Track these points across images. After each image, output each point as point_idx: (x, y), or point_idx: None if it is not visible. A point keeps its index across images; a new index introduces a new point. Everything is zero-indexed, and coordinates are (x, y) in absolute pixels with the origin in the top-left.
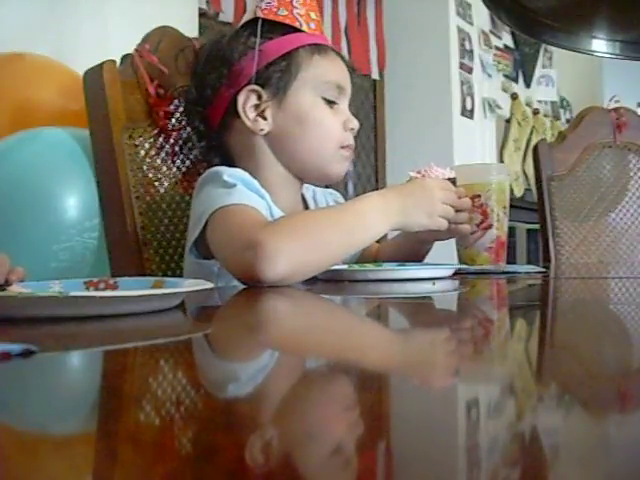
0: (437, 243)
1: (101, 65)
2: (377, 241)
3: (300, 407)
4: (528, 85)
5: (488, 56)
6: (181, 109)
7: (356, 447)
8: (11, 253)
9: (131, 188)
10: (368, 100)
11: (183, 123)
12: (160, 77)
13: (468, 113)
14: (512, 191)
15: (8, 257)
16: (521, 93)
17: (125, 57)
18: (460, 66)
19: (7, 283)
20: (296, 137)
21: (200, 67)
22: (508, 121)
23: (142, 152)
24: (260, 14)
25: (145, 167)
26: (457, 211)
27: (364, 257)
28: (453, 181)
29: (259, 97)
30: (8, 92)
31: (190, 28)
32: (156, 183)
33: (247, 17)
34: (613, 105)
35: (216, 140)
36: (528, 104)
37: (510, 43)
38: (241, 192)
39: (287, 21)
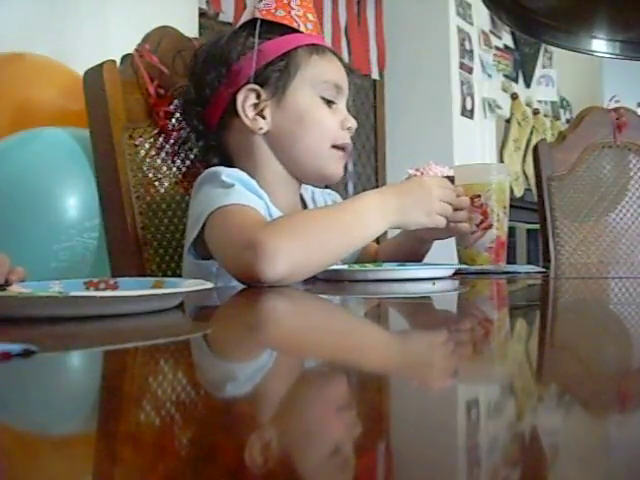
0: (437, 243)
1: (101, 65)
2: (376, 241)
3: (299, 407)
4: (528, 85)
5: (488, 56)
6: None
7: (356, 447)
8: (11, 253)
9: (131, 188)
10: (368, 100)
11: (183, 123)
12: (160, 77)
13: (468, 113)
14: (512, 191)
15: (8, 257)
16: (521, 93)
17: (125, 57)
18: (460, 66)
19: (7, 283)
20: (294, 136)
21: (198, 67)
22: (508, 121)
23: (142, 152)
24: (258, 15)
25: (145, 167)
26: (455, 210)
27: (364, 257)
28: (451, 179)
29: (258, 96)
30: (8, 92)
31: (190, 28)
32: (156, 183)
33: (245, 18)
34: (613, 105)
35: (214, 140)
36: (528, 104)
37: (510, 43)
38: (239, 192)
39: (285, 22)
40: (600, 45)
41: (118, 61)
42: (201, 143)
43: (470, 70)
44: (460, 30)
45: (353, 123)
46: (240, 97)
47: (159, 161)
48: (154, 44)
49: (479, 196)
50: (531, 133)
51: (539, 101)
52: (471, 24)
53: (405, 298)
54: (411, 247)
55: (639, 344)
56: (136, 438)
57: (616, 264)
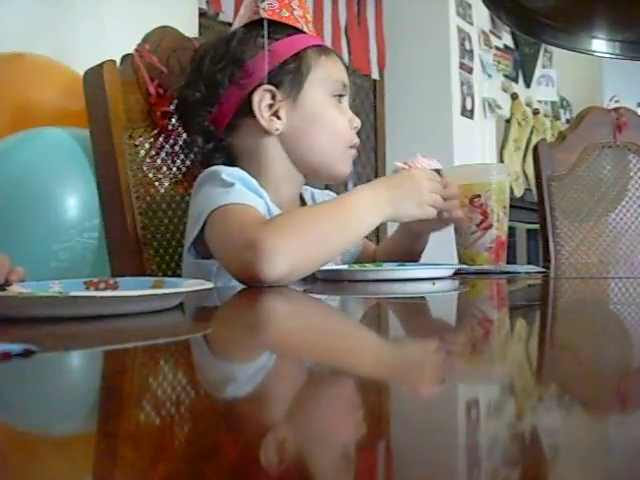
0: (437, 243)
1: (101, 65)
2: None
3: (299, 408)
4: (528, 85)
5: (488, 56)
6: None
7: (356, 448)
8: (11, 253)
9: (131, 188)
10: (368, 100)
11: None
12: (160, 77)
13: (468, 113)
14: (512, 191)
15: (8, 257)
16: (521, 93)
17: (125, 57)
18: (460, 66)
19: (7, 283)
20: (309, 136)
21: (206, 66)
22: (508, 121)
23: (142, 152)
24: (265, 15)
25: (145, 167)
26: (446, 200)
27: (363, 258)
28: (439, 172)
29: (273, 97)
30: (8, 92)
31: (190, 28)
32: (156, 183)
33: (242, 18)
34: (613, 105)
35: (221, 141)
36: (528, 104)
37: (510, 43)
38: (239, 191)
39: (290, 22)
40: (600, 45)
41: (118, 61)
42: (210, 145)
43: (470, 70)
44: (460, 30)
45: (358, 122)
46: (256, 98)
47: (159, 161)
48: (154, 44)
49: (479, 196)
50: (531, 133)
51: (539, 101)
52: (471, 24)
53: (405, 298)
54: (408, 243)
55: (639, 344)
56: (136, 438)
57: (616, 264)
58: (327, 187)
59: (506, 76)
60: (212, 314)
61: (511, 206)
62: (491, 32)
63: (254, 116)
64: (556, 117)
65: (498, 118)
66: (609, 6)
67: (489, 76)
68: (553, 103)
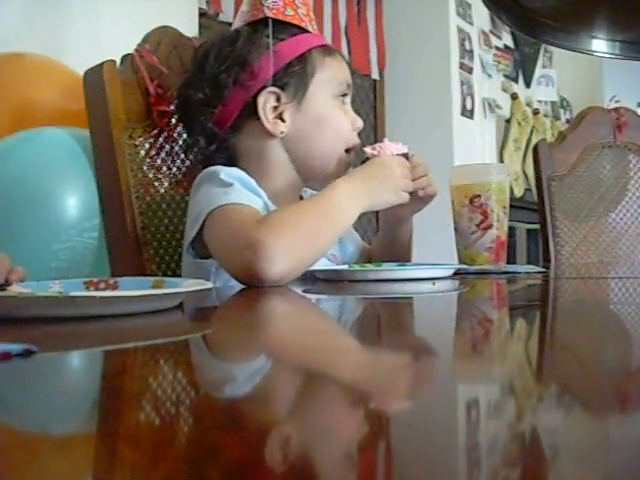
0: (437, 243)
1: (101, 65)
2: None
3: (299, 408)
4: (528, 85)
5: (488, 56)
6: None
7: (357, 447)
8: (11, 253)
9: (131, 188)
10: (368, 100)
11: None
12: (160, 77)
13: (468, 113)
14: (512, 191)
15: (8, 257)
16: (521, 93)
17: (125, 57)
18: (460, 66)
19: (7, 283)
20: (313, 138)
21: (210, 66)
22: (508, 121)
23: (142, 152)
24: (269, 13)
25: (145, 167)
26: (417, 180)
27: (362, 259)
28: (406, 155)
29: (278, 99)
30: (8, 92)
31: (190, 28)
32: (156, 183)
33: (245, 15)
34: (613, 105)
35: (223, 142)
36: (528, 104)
37: (510, 43)
38: (238, 191)
39: (295, 21)
40: (600, 45)
41: (118, 61)
42: (213, 147)
43: (470, 70)
44: (460, 30)
45: (360, 123)
46: (261, 100)
47: (159, 161)
48: (154, 44)
49: (479, 196)
50: (531, 133)
51: (539, 101)
52: (471, 24)
53: (405, 298)
54: (393, 232)
55: (639, 344)
56: (136, 438)
57: (616, 264)
58: None
59: (506, 76)
60: (211, 314)
61: (511, 206)
62: (491, 32)
63: (258, 118)
64: (556, 117)
65: (498, 118)
66: (609, 6)
67: (489, 76)
68: (553, 103)
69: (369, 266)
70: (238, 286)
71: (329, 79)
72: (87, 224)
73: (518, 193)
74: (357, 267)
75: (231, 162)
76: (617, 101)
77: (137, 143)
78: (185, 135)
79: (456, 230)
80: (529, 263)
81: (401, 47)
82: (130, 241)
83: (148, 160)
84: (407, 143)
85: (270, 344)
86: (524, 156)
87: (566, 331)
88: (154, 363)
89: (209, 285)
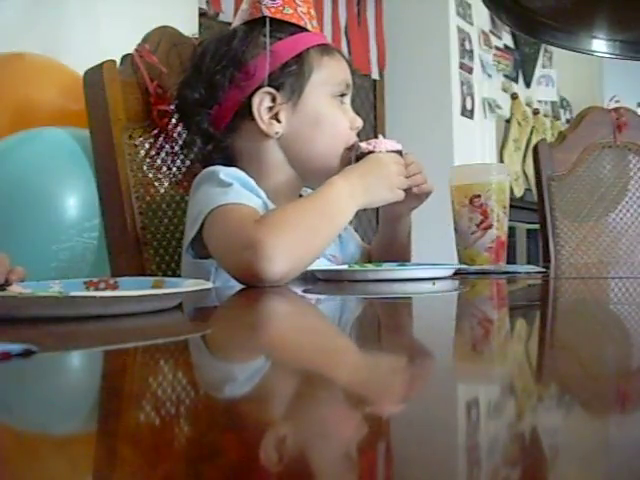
0: (437, 243)
1: (101, 65)
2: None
3: (299, 408)
4: (528, 85)
5: (488, 56)
6: None
7: (356, 448)
8: (11, 253)
9: (131, 188)
10: (368, 100)
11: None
12: (160, 77)
13: (468, 113)
14: (512, 191)
15: (8, 257)
16: (521, 93)
17: (125, 57)
18: (460, 66)
19: (7, 283)
20: (309, 139)
21: (206, 66)
22: (508, 121)
23: (142, 152)
24: (268, 13)
25: (145, 167)
26: (411, 177)
27: (363, 259)
28: (400, 152)
29: (273, 99)
30: (8, 92)
31: (190, 28)
32: (156, 183)
33: (244, 13)
34: (613, 105)
35: (220, 142)
36: (528, 104)
37: (510, 43)
38: (237, 191)
39: (294, 20)
40: (600, 45)
41: (118, 61)
42: (209, 147)
43: (470, 70)
44: (460, 30)
45: (360, 123)
46: (256, 100)
47: (159, 161)
48: (154, 44)
49: (479, 196)
50: (531, 133)
51: (539, 101)
52: (471, 24)
53: (405, 298)
54: (391, 230)
55: (639, 344)
56: (136, 438)
57: (616, 264)
58: None
59: (506, 76)
60: (211, 314)
61: (511, 206)
62: (491, 32)
63: (254, 119)
64: (556, 117)
65: (498, 118)
66: (609, 6)
67: (489, 76)
68: (553, 103)
69: (369, 266)
70: (238, 286)
71: (327, 79)
72: (87, 224)
73: (518, 193)
74: (357, 267)
75: (229, 162)
76: (617, 101)
77: (137, 143)
78: (185, 134)
79: (456, 230)
80: (529, 263)
81: (401, 47)
82: (130, 241)
83: (148, 160)
84: (407, 143)
85: (270, 344)
86: (524, 156)
87: (566, 331)
88: (154, 363)
89: (209, 285)
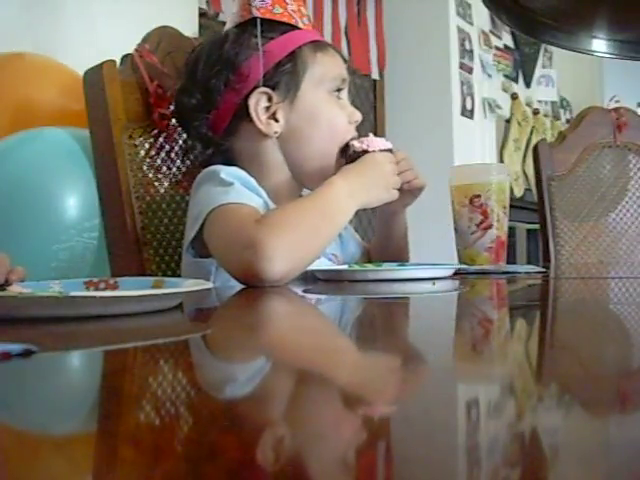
0: (437, 243)
1: (101, 65)
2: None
3: (299, 408)
4: (528, 85)
5: (488, 56)
6: None
7: (357, 448)
8: (11, 253)
9: (131, 188)
10: (368, 100)
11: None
12: (160, 77)
13: (468, 113)
14: (512, 191)
15: (8, 257)
16: (521, 93)
17: (125, 57)
18: (460, 66)
19: (7, 283)
20: (308, 136)
21: (200, 71)
22: (508, 121)
23: (142, 152)
24: (257, 13)
25: (145, 167)
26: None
27: (363, 258)
28: (391, 151)
29: (269, 99)
30: (8, 92)
31: (190, 28)
32: (156, 183)
33: (235, 16)
34: (613, 105)
35: (220, 146)
36: (528, 104)
37: (510, 43)
38: (238, 190)
39: (284, 19)
40: (600, 45)
41: (118, 61)
42: (209, 151)
43: (470, 70)
44: (460, 30)
45: (358, 116)
46: (252, 101)
47: (159, 161)
48: (154, 44)
49: (479, 196)
50: (531, 133)
51: (539, 101)
52: (471, 24)
53: (405, 298)
54: (387, 224)
55: (639, 344)
56: (136, 438)
57: (616, 264)
58: None
59: (506, 76)
60: (211, 314)
61: (511, 206)
62: (491, 32)
63: (251, 120)
64: (556, 117)
65: (498, 118)
66: (609, 6)
67: (489, 76)
68: (553, 103)
69: (369, 266)
70: (238, 286)
71: (321, 75)
72: (87, 224)
73: (518, 193)
74: (357, 267)
75: (230, 164)
76: (617, 101)
77: (137, 143)
78: (185, 136)
79: (456, 230)
80: (529, 263)
81: (401, 47)
82: (130, 241)
83: (148, 160)
84: (407, 143)
85: (270, 344)
86: (524, 156)
87: (566, 331)
88: (154, 363)
89: (209, 285)
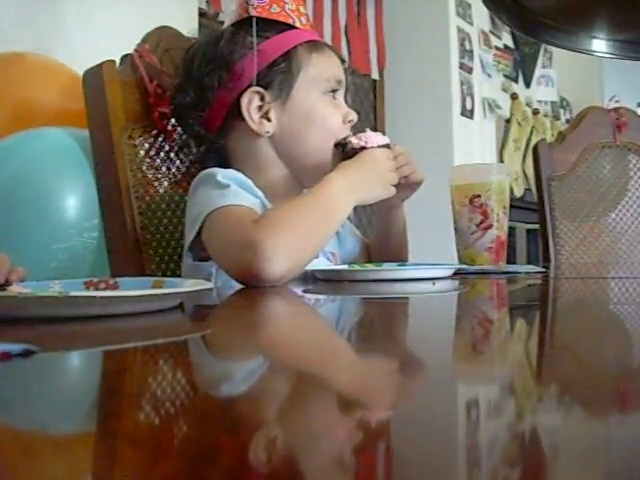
0: (437, 243)
1: (101, 65)
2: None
3: (298, 408)
4: (528, 85)
5: (488, 56)
6: None
7: (357, 448)
8: (11, 253)
9: (131, 188)
10: (368, 100)
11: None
12: (159, 77)
13: (468, 113)
14: (512, 191)
15: (8, 257)
16: (521, 93)
17: (125, 57)
18: (460, 66)
19: (7, 283)
20: (301, 136)
21: (195, 69)
22: (508, 121)
23: (142, 152)
24: (254, 12)
25: (145, 167)
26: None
27: (363, 255)
28: (388, 146)
29: (262, 98)
30: (8, 92)
31: (190, 28)
32: (156, 183)
33: (235, 15)
34: (613, 105)
35: (213, 144)
36: (528, 104)
37: (510, 43)
38: (235, 192)
39: (281, 18)
40: (600, 45)
41: (118, 61)
42: (202, 148)
43: (470, 70)
44: (460, 30)
45: (354, 116)
46: (244, 100)
47: (159, 161)
48: (153, 44)
49: (479, 196)
50: (531, 133)
51: (539, 101)
52: (471, 24)
53: (405, 298)
54: (385, 219)
55: (639, 344)
56: (136, 438)
57: (616, 264)
58: None
59: (506, 76)
60: (211, 314)
61: (511, 206)
62: (491, 32)
63: (244, 119)
64: (556, 117)
65: (498, 118)
66: (609, 6)
67: (489, 76)
68: (553, 103)
69: (369, 266)
70: (238, 286)
71: (316, 76)
72: (87, 224)
73: (518, 193)
74: (357, 267)
75: (224, 162)
76: (617, 101)
77: (137, 143)
78: (183, 140)
79: (456, 230)
80: (529, 263)
81: (401, 47)
82: (130, 241)
83: (148, 160)
84: (407, 143)
85: (270, 345)
86: (524, 156)
87: (566, 331)
88: (154, 363)
89: (209, 285)
